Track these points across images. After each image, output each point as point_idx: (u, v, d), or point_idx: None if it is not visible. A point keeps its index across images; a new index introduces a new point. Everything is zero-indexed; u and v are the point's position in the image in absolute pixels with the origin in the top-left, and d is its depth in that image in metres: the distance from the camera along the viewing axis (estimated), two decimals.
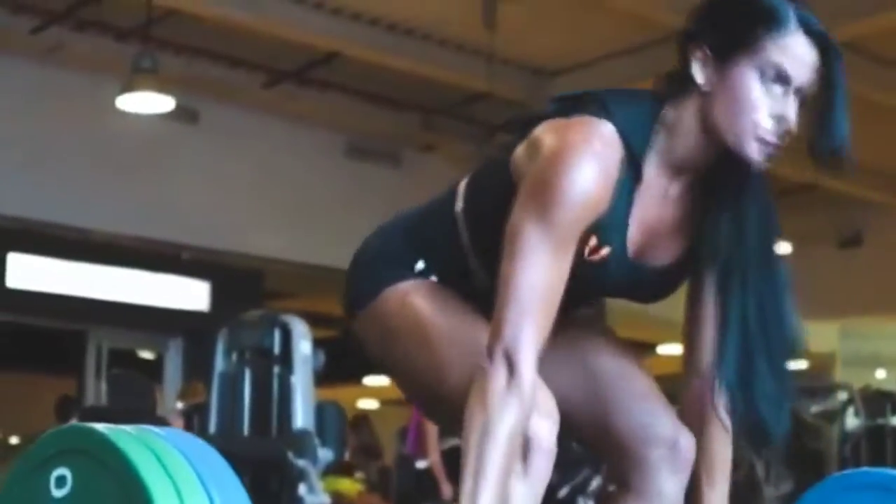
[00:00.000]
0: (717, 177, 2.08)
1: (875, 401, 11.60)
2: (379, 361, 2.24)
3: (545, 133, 2.02)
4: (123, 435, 1.77)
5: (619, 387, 2.21)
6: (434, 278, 2.17)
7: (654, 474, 2.16)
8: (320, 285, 9.67)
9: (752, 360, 2.06)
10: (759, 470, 9.56)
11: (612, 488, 2.26)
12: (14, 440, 13.11)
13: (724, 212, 2.07)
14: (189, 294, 10.84)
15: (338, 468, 8.13)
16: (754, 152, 2.00)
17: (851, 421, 11.19)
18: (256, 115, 10.64)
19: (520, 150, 2.07)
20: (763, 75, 1.98)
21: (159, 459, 1.73)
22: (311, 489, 6.05)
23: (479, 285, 2.13)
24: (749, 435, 2.12)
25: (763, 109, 1.98)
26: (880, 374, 16.65)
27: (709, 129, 2.02)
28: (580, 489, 6.78)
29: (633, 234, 2.06)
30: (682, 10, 2.11)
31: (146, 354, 11.46)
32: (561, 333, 2.17)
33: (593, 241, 2.02)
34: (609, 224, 2.01)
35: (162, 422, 6.39)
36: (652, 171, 2.05)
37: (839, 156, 2.01)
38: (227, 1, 8.63)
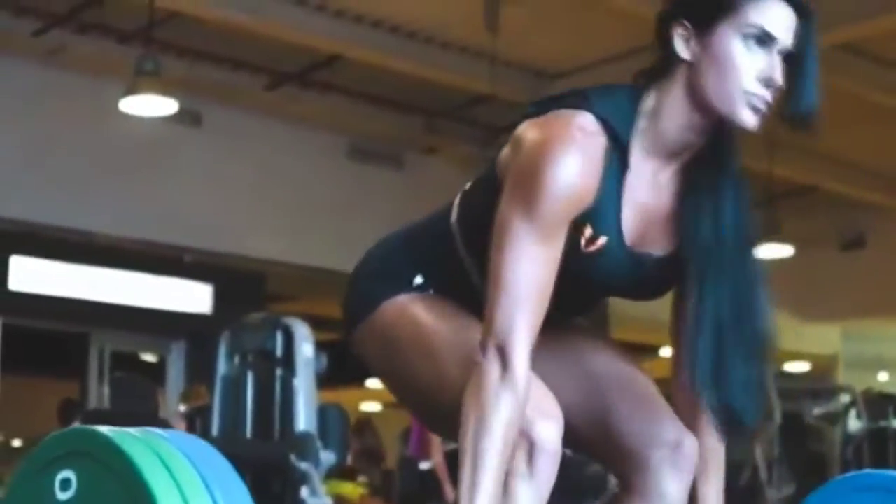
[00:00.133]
0: (700, 165, 2.09)
1: (877, 403, 11.62)
2: (380, 373, 2.25)
3: (526, 130, 2.05)
4: (128, 437, 1.77)
5: (619, 391, 2.21)
6: (431, 292, 2.19)
7: (657, 476, 2.16)
8: (323, 288, 9.65)
9: (724, 350, 2.07)
10: (762, 472, 9.56)
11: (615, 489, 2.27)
12: (17, 443, 13.11)
13: (703, 201, 2.09)
14: (191, 297, 10.82)
15: (341, 472, 8.13)
16: (746, 116, 2.02)
17: (854, 423, 11.20)
18: (259, 118, 10.63)
19: (504, 150, 2.10)
20: (745, 38, 2.00)
21: (163, 462, 1.74)
22: (313, 492, 6.05)
23: (477, 293, 2.13)
24: (722, 424, 2.12)
25: (750, 72, 2.01)
26: (883, 376, 16.66)
27: (698, 102, 2.04)
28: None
29: (628, 221, 2.06)
30: None
31: (149, 357, 11.44)
32: (560, 341, 2.18)
33: (588, 231, 2.03)
34: (601, 213, 2.02)
35: (164, 425, 6.39)
36: (639, 156, 2.06)
37: (809, 120, 2.04)
38: (229, 3, 8.62)
